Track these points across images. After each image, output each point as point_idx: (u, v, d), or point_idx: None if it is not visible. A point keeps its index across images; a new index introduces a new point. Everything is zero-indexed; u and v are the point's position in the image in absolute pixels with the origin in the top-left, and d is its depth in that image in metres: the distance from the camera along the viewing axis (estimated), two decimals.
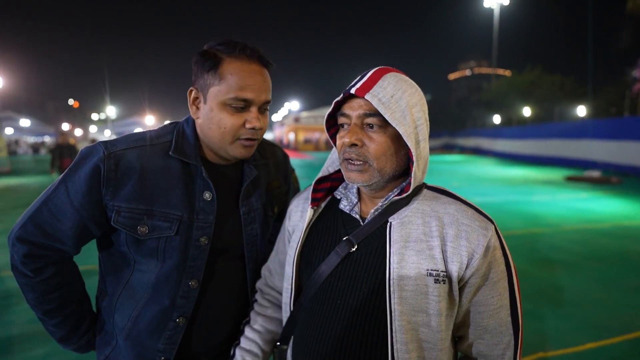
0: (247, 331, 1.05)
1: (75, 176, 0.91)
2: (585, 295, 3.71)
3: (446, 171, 16.58)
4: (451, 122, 46.27)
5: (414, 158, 0.80)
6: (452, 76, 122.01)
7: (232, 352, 1.04)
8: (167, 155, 0.95)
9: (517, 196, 9.55)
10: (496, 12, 41.11)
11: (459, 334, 0.88)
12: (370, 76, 0.82)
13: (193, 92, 0.96)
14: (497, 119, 35.49)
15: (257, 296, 1.11)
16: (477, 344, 0.85)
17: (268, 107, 0.99)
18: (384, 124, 0.81)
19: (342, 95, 0.83)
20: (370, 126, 0.82)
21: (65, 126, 43.16)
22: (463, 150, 35.40)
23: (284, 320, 0.97)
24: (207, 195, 0.97)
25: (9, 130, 34.67)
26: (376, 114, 0.80)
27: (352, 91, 0.81)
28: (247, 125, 0.94)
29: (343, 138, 0.84)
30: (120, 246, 0.96)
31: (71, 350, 1.05)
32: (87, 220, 0.91)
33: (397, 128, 0.79)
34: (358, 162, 0.83)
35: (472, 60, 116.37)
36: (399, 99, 0.81)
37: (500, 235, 0.84)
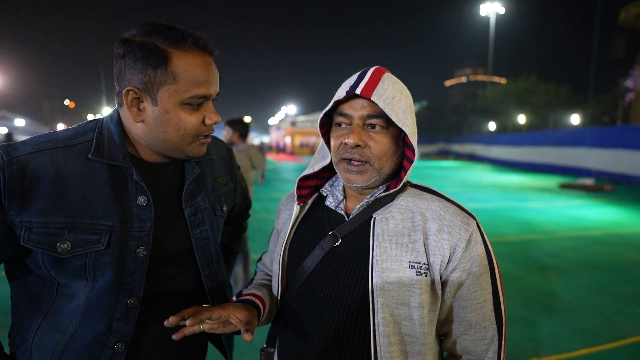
0: (252, 282, 1.07)
1: None
2: (579, 301, 3.72)
3: (441, 177, 16.65)
4: (447, 128, 46.55)
5: (415, 157, 0.83)
6: (448, 83, 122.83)
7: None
8: (88, 157, 0.83)
9: (511, 202, 9.60)
10: (492, 21, 41.60)
11: (443, 331, 0.88)
12: (371, 76, 0.82)
13: (131, 93, 0.81)
14: (492, 125, 35.76)
15: (256, 275, 1.12)
16: (461, 340, 0.84)
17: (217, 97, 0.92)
18: (386, 124, 0.82)
19: (344, 94, 0.82)
20: (373, 127, 0.82)
21: (61, 126, 42.87)
22: (458, 156, 35.56)
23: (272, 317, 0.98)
24: (141, 200, 0.85)
25: (3, 130, 34.33)
26: (380, 115, 0.81)
27: (358, 91, 0.80)
28: (208, 122, 0.87)
29: (343, 138, 0.83)
30: (38, 269, 0.82)
31: None
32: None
33: (403, 129, 0.80)
34: (358, 163, 0.83)
35: (468, 67, 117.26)
36: (398, 100, 0.81)
37: (482, 231, 0.85)
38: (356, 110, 0.82)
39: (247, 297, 0.96)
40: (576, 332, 3.11)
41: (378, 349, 0.79)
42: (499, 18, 45.20)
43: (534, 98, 32.24)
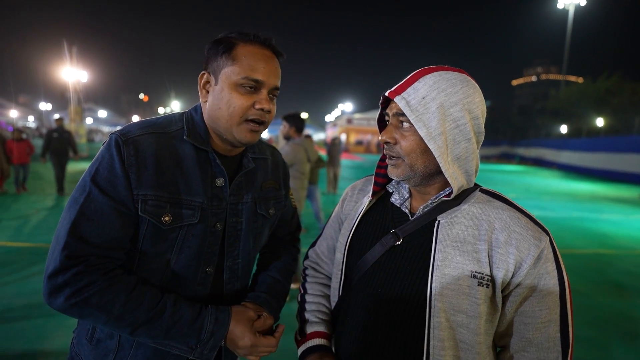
0: (309, 298, 1.06)
1: (104, 171, 0.85)
2: None
3: (503, 181, 15.68)
4: (512, 131, 43.60)
5: (439, 159, 0.79)
6: (516, 82, 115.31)
7: (299, 319, 1.03)
8: (180, 142, 0.93)
9: (582, 213, 8.78)
10: (570, 14, 38.14)
11: (501, 343, 0.86)
12: (408, 78, 0.85)
13: (205, 76, 0.95)
14: (563, 129, 32.89)
15: (308, 273, 1.13)
16: (520, 356, 0.82)
17: (277, 94, 0.97)
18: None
19: (381, 97, 0.88)
20: (402, 124, 0.84)
21: (136, 118, 46.93)
22: (523, 160, 33.21)
23: (332, 305, 1.00)
24: (219, 182, 0.96)
25: (89, 120, 38.29)
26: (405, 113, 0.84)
27: (386, 94, 0.85)
28: (257, 106, 0.91)
29: (380, 136, 0.89)
30: (133, 245, 0.90)
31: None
32: (133, 211, 0.86)
33: (418, 130, 0.79)
34: (393, 158, 0.87)
35: (540, 65, 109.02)
36: (431, 99, 0.80)
37: (556, 249, 0.82)
38: (391, 110, 0.86)
39: (318, 341, 0.96)
40: None
41: (431, 351, 0.80)
42: (578, 11, 41.25)
43: (616, 99, 29.00)
